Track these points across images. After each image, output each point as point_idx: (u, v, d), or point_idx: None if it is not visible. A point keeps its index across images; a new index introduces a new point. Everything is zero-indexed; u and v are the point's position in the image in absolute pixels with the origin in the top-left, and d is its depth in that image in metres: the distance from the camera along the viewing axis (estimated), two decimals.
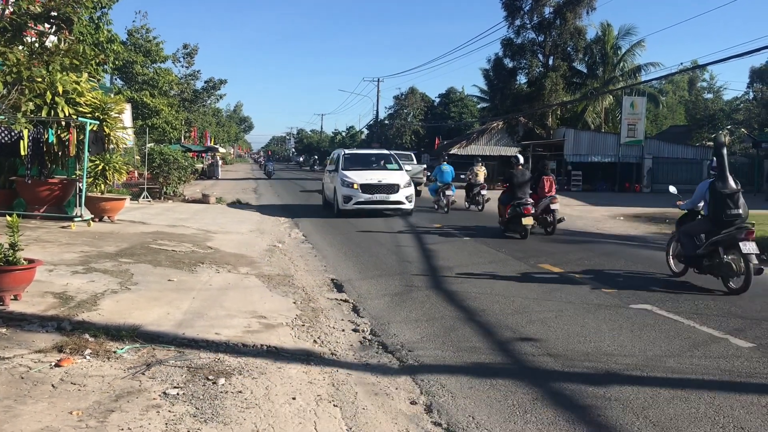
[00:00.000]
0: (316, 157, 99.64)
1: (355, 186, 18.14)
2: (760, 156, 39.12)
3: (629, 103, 40.20)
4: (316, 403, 4.57)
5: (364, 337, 6.49)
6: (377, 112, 71.57)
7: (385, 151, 23.01)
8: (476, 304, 7.94)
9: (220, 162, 50.85)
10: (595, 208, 24.22)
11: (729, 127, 52.62)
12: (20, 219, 6.64)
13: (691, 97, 61.80)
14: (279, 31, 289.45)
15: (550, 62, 45.30)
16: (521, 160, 15.41)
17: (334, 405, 4.58)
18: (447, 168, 22.20)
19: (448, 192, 21.00)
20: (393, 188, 18.34)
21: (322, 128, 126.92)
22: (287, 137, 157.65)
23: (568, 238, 14.78)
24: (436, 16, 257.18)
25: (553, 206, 14.75)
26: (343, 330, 6.72)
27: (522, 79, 47.59)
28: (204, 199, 22.79)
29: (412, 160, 33.52)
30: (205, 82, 50.07)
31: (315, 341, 6.14)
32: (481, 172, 22.88)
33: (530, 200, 14.26)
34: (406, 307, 7.79)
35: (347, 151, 21.51)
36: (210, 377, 4.82)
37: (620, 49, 46.74)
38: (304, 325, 6.63)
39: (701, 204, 9.53)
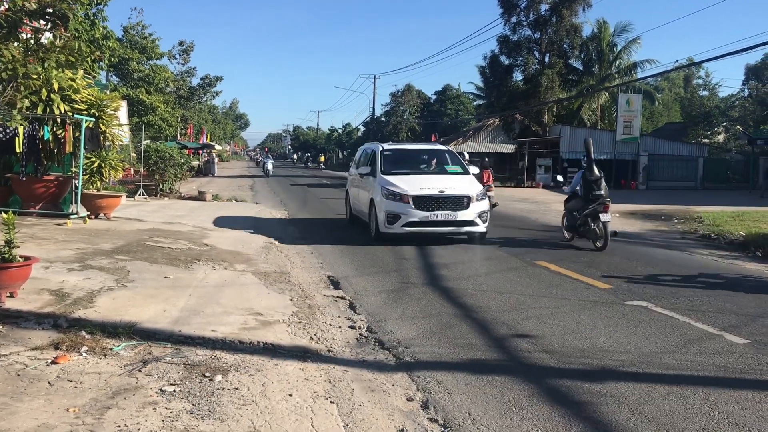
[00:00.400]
0: (309, 154, 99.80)
1: (406, 199, 12.49)
2: (755, 153, 39.25)
3: (625, 100, 40.25)
4: (313, 399, 4.58)
5: (360, 334, 6.50)
6: (374, 109, 71.45)
7: (440, 147, 16.11)
8: (472, 300, 7.96)
9: (216, 159, 50.79)
10: None
11: (724, 124, 52.72)
12: (16, 216, 6.63)
13: (686, 94, 61.88)
14: (275, 28, 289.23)
15: (547, 59, 45.30)
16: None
17: (330, 402, 4.59)
18: None
19: None
20: (461, 202, 12.64)
21: (318, 125, 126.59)
22: (283, 134, 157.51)
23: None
24: (432, 13, 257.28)
25: (489, 193, 18.41)
26: (340, 327, 6.73)
27: (518, 76, 47.62)
28: (200, 197, 22.77)
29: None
30: (201, 79, 49.95)
31: (311, 338, 6.15)
32: (486, 174, 22.01)
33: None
34: (402, 304, 7.81)
35: (386, 146, 15.03)
36: (207, 374, 4.82)
37: (616, 46, 46.78)
38: (300, 322, 6.63)
39: (578, 187, 13.14)
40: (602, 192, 12.58)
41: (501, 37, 45.78)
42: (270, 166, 49.59)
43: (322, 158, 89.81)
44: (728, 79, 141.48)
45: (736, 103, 55.53)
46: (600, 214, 12.20)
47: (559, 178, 15.03)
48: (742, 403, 4.76)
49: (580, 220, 12.70)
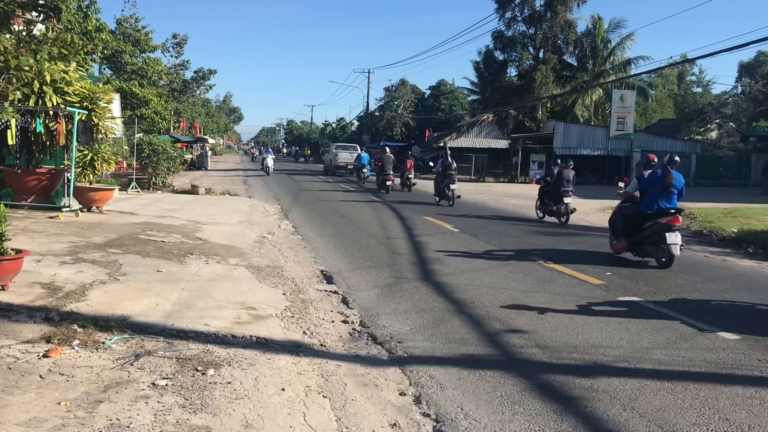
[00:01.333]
0: (298, 148, 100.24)
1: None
2: (747, 150, 39.41)
3: (619, 96, 40.35)
4: (306, 394, 4.58)
5: (353, 329, 6.50)
6: (368, 104, 71.30)
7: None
8: (465, 295, 7.97)
9: (209, 153, 50.58)
10: (584, 201, 24.27)
11: (717, 121, 52.90)
12: (7, 209, 6.59)
13: (680, 91, 62.02)
14: (269, 21, 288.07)
15: (541, 55, 45.38)
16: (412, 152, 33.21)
17: (323, 396, 4.59)
18: (364, 155, 36.25)
19: (363, 170, 34.16)
20: None
21: (312, 119, 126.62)
22: (277, 128, 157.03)
23: (558, 230, 14.86)
24: (427, 8, 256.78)
25: (410, 175, 28.01)
26: (333, 321, 6.73)
27: (512, 71, 47.74)
28: (193, 190, 22.68)
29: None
30: (195, 72, 49.83)
31: (304, 332, 6.15)
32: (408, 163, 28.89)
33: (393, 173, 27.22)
34: (395, 299, 7.81)
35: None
36: (199, 368, 4.81)
37: (610, 42, 46.86)
38: (293, 317, 6.63)
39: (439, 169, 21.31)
40: (453, 173, 21.25)
41: (495, 32, 45.83)
42: (270, 162, 41.89)
43: (308, 152, 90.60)
44: (721, 76, 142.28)
45: (729, 100, 55.75)
46: None
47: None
48: (733, 398, 4.78)
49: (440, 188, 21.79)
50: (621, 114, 39.95)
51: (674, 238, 9.99)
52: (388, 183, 26.44)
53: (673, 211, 10.24)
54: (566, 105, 47.74)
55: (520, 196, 27.37)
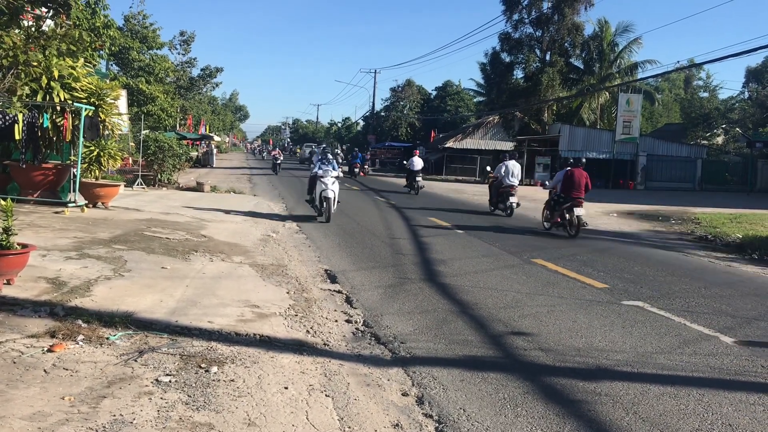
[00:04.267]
0: (298, 146, 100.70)
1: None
2: (753, 156, 39.29)
3: (625, 100, 40.22)
4: (308, 392, 4.59)
5: (356, 329, 6.51)
6: (374, 104, 71.32)
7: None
8: (469, 297, 7.97)
9: (214, 150, 50.67)
10: (589, 204, 24.14)
11: (723, 126, 52.76)
12: (14, 203, 6.61)
13: (686, 96, 61.91)
14: (276, 20, 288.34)
15: (548, 58, 45.24)
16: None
17: (326, 395, 4.60)
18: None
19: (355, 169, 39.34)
20: None
21: (317, 118, 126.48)
22: (283, 127, 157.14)
23: (562, 234, 14.83)
24: (434, 8, 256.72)
25: (366, 166, 39.10)
26: (336, 321, 6.73)
27: (519, 73, 47.56)
28: (198, 187, 22.74)
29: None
30: (202, 69, 49.88)
31: (308, 331, 6.15)
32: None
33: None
34: (399, 299, 7.81)
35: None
36: (203, 365, 4.82)
37: (617, 45, 46.77)
38: (297, 315, 6.64)
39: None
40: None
41: (502, 34, 45.74)
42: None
43: (298, 150, 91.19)
44: (728, 82, 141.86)
45: (736, 106, 55.53)
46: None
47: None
48: (736, 404, 4.77)
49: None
50: (627, 117, 39.83)
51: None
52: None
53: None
54: (572, 108, 47.67)
55: (525, 198, 27.31)
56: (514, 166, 19.13)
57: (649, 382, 5.19)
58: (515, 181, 18.88)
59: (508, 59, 47.11)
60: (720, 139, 53.87)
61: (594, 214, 20.73)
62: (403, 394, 4.82)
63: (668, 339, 6.44)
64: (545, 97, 42.56)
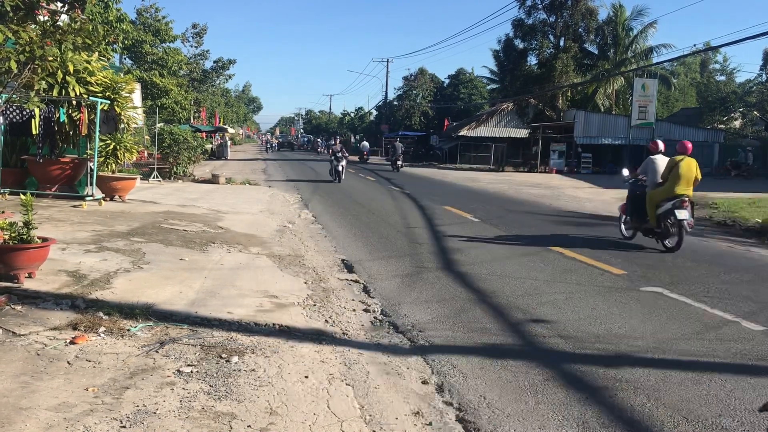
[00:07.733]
0: (308, 137, 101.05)
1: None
2: None
3: (640, 84, 39.84)
4: (329, 381, 4.60)
5: (375, 318, 6.52)
6: (386, 93, 71.23)
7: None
8: (486, 285, 7.95)
9: (229, 142, 50.83)
10: (605, 191, 24.13)
11: (741, 110, 52.09)
12: (33, 198, 6.67)
13: (702, 80, 61.10)
14: (288, 10, 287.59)
15: (561, 43, 44.89)
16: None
17: (346, 384, 4.61)
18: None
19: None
20: None
21: (330, 109, 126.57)
22: (296, 118, 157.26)
23: (578, 220, 14.78)
24: None
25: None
26: (354, 310, 6.75)
27: (532, 60, 47.24)
28: (214, 180, 22.82)
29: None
30: (214, 62, 50.06)
31: (326, 321, 6.17)
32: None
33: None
34: (416, 288, 7.81)
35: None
36: (223, 355, 4.86)
37: (632, 30, 46.25)
38: (315, 305, 6.66)
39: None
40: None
41: (516, 20, 45.41)
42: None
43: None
44: (746, 64, 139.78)
45: (754, 89, 54.71)
46: None
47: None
48: (759, 390, 4.74)
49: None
50: (642, 103, 39.46)
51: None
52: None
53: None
54: (587, 94, 47.27)
55: (541, 186, 27.21)
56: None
57: (670, 368, 5.16)
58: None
59: (521, 46, 46.81)
60: (737, 123, 53.19)
61: (610, 200, 20.60)
62: (423, 383, 4.83)
63: (688, 325, 6.40)
64: (559, 84, 42.24)
